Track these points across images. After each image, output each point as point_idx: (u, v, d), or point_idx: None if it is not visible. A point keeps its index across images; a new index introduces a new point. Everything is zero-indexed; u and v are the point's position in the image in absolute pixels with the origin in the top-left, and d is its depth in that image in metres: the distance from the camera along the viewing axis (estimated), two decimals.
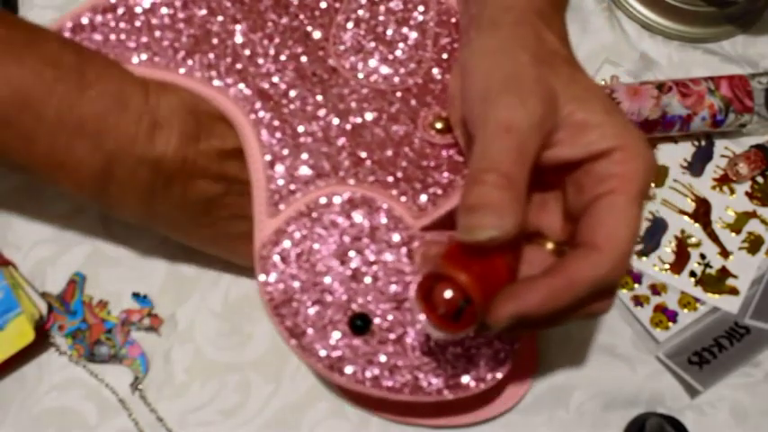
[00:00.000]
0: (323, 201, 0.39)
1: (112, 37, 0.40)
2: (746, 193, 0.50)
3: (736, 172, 0.50)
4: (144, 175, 0.38)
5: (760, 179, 0.50)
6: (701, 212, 0.49)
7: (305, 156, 0.40)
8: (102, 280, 0.46)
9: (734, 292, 0.47)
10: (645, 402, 0.45)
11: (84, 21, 0.40)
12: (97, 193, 0.38)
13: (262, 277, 0.38)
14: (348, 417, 0.44)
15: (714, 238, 0.49)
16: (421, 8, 0.43)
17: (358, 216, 0.39)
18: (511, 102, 0.32)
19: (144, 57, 0.40)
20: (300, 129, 0.40)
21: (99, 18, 0.41)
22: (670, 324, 0.46)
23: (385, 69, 0.42)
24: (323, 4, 0.42)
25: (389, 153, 0.40)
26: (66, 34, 0.40)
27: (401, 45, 0.42)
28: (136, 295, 0.45)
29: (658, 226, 0.49)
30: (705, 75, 0.50)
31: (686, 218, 0.49)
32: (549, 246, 0.36)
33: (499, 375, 0.38)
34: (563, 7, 0.39)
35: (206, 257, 0.46)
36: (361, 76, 0.42)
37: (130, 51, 0.40)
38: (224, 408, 0.44)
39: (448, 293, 0.31)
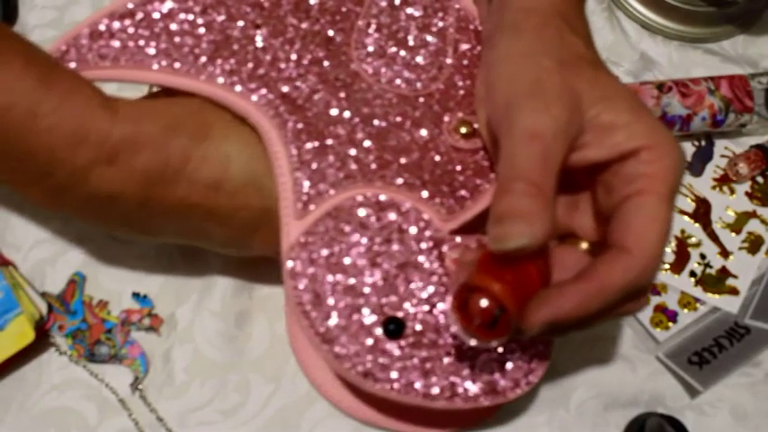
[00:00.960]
0: (351, 203, 0.38)
1: (131, 44, 0.39)
2: (746, 193, 0.50)
3: (736, 172, 0.50)
4: (99, 205, 0.36)
5: (760, 179, 0.50)
6: (701, 212, 0.49)
7: (331, 158, 0.39)
8: (102, 280, 0.46)
9: (734, 292, 0.47)
10: (645, 402, 0.45)
11: (102, 27, 0.39)
12: (56, 209, 0.38)
13: (290, 282, 0.37)
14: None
15: (714, 238, 0.49)
16: (440, 14, 0.43)
17: (387, 218, 0.38)
18: (536, 107, 0.32)
19: (164, 63, 0.39)
20: (326, 132, 0.39)
21: (116, 24, 0.40)
22: (670, 324, 0.46)
23: (407, 74, 0.41)
24: (343, 9, 0.42)
25: (416, 156, 0.40)
26: (84, 41, 0.39)
27: (422, 51, 0.42)
28: (136, 295, 0.45)
29: None
30: (705, 75, 0.50)
31: (686, 218, 0.49)
32: (584, 246, 0.36)
33: (534, 379, 0.38)
34: (583, 7, 0.38)
35: (206, 257, 0.46)
36: (383, 80, 0.41)
37: (150, 58, 0.39)
38: (224, 408, 0.44)
39: (483, 303, 0.31)
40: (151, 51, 0.39)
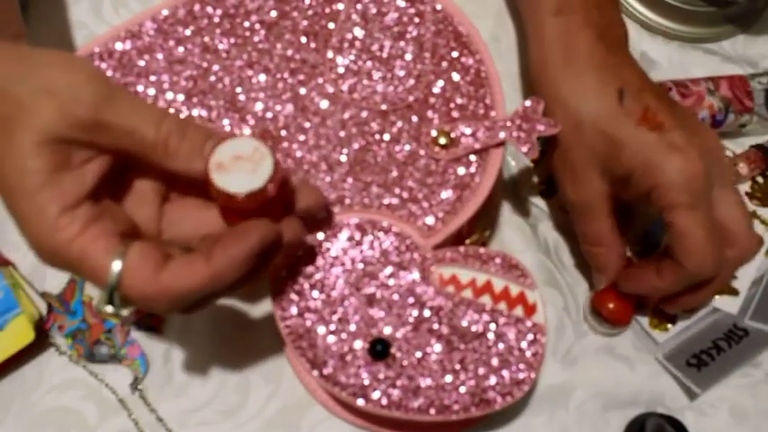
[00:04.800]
0: (331, 230, 0.39)
1: (118, 77, 0.40)
2: (746, 193, 0.50)
3: (736, 172, 0.50)
4: None
5: (760, 179, 0.50)
6: None
7: None
8: None
9: (733, 292, 0.47)
10: (645, 402, 0.45)
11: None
12: None
13: (279, 312, 0.39)
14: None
15: None
16: (416, 20, 0.43)
17: (367, 241, 0.39)
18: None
19: (151, 93, 0.40)
20: (303, 160, 0.40)
21: (103, 65, 0.41)
22: (669, 326, 0.46)
23: (384, 88, 0.42)
24: (317, 27, 0.42)
25: (394, 174, 0.40)
26: None
27: (398, 62, 0.42)
28: None
29: (658, 226, 0.48)
30: (705, 75, 0.50)
31: None
32: None
33: (525, 388, 0.39)
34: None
35: None
36: (359, 97, 0.41)
37: (143, 89, 0.40)
38: (224, 408, 0.44)
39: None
40: (140, 88, 0.40)
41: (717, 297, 0.47)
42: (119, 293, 0.31)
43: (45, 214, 0.31)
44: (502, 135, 0.41)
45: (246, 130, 0.40)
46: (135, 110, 0.32)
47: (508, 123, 0.41)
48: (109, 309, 0.31)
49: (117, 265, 0.31)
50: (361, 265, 0.39)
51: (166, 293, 0.31)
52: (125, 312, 0.32)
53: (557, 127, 0.41)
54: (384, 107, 0.41)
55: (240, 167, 0.31)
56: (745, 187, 0.50)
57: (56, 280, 0.45)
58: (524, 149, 0.41)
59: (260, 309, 0.46)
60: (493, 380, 0.38)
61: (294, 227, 0.35)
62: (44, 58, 0.33)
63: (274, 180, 0.32)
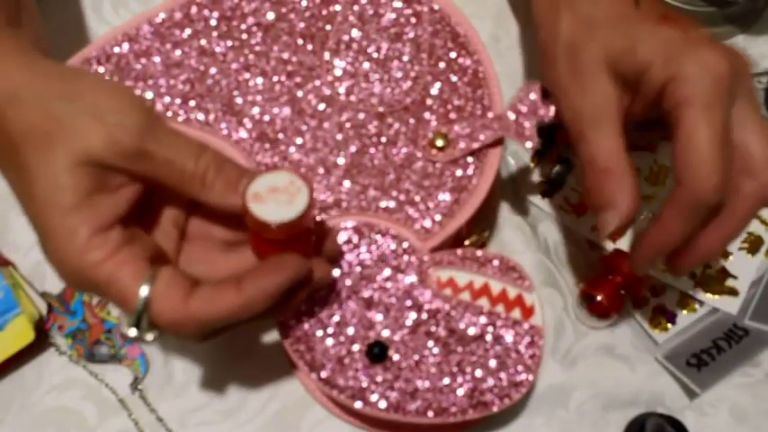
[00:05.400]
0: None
1: (116, 80, 0.40)
2: None
3: None
4: None
5: None
6: None
7: None
8: None
9: (733, 292, 0.47)
10: (645, 402, 0.45)
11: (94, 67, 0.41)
12: None
13: (277, 316, 0.39)
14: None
15: None
16: (413, 21, 0.43)
17: (365, 244, 0.39)
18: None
19: (149, 96, 0.41)
20: (300, 164, 0.40)
21: (101, 69, 0.41)
22: (669, 325, 0.46)
23: (381, 90, 0.42)
24: (313, 29, 0.42)
25: (392, 177, 0.40)
26: None
27: (395, 63, 0.42)
28: None
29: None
30: None
31: None
32: None
33: (522, 390, 0.39)
34: None
35: None
36: (356, 100, 0.41)
37: (141, 92, 0.40)
38: (224, 408, 0.44)
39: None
40: (138, 91, 0.40)
41: (717, 297, 0.47)
42: (146, 318, 0.31)
43: (76, 234, 0.31)
44: (499, 132, 0.41)
45: (243, 134, 0.40)
46: (176, 141, 0.33)
47: (504, 119, 0.41)
48: (133, 332, 0.32)
49: (145, 291, 0.31)
50: (358, 269, 0.39)
51: (194, 320, 0.31)
52: (150, 337, 0.32)
53: (552, 106, 0.40)
54: (381, 109, 0.41)
55: (276, 199, 0.32)
56: None
57: (56, 280, 0.45)
58: (523, 142, 0.41)
59: None
60: (490, 382, 0.38)
61: (324, 267, 0.36)
62: (89, 80, 0.33)
63: (309, 212, 0.32)
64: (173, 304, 0.31)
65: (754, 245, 0.48)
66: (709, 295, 0.47)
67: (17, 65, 0.33)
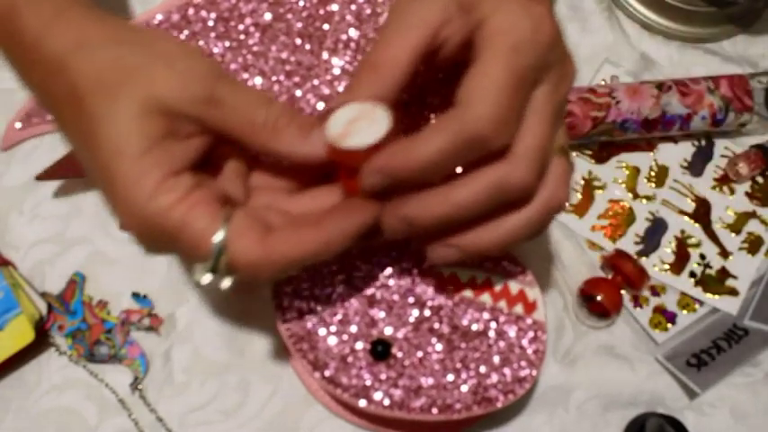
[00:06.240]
0: None
1: None
2: (746, 194, 0.50)
3: (736, 172, 0.50)
4: None
5: (760, 179, 0.50)
6: (701, 212, 0.49)
7: None
8: (102, 280, 0.46)
9: (733, 292, 0.47)
10: (645, 402, 0.45)
11: None
12: None
13: (279, 314, 0.39)
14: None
15: (714, 238, 0.49)
16: None
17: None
18: None
19: None
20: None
21: None
22: (669, 325, 0.46)
23: None
24: (311, 29, 0.42)
25: None
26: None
27: None
28: (136, 295, 0.45)
29: (658, 226, 0.49)
30: (705, 75, 0.50)
31: (686, 218, 0.49)
32: None
33: (526, 385, 0.39)
34: None
35: None
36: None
37: None
38: (224, 408, 0.44)
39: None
40: None
41: (717, 297, 0.47)
42: (224, 261, 0.30)
43: (147, 177, 0.30)
44: None
45: None
46: (246, 90, 0.32)
47: None
48: (207, 279, 0.30)
49: (222, 233, 0.30)
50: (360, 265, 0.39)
51: (272, 261, 0.30)
52: (226, 283, 0.31)
53: None
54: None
55: (358, 128, 0.31)
56: (745, 187, 0.50)
57: (56, 280, 0.46)
58: None
59: (260, 309, 0.46)
60: (494, 378, 0.38)
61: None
62: (156, 31, 0.32)
63: (395, 126, 0.31)
64: (252, 245, 0.30)
65: (754, 245, 0.48)
66: (709, 295, 0.47)
67: (82, 15, 0.32)
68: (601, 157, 0.50)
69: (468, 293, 0.39)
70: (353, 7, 0.43)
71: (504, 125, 0.30)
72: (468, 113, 0.30)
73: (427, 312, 0.39)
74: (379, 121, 0.31)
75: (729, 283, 0.47)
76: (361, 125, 0.31)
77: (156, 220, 0.30)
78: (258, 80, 0.41)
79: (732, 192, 0.50)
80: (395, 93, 0.32)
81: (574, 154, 0.50)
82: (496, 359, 0.39)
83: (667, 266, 0.48)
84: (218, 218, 0.30)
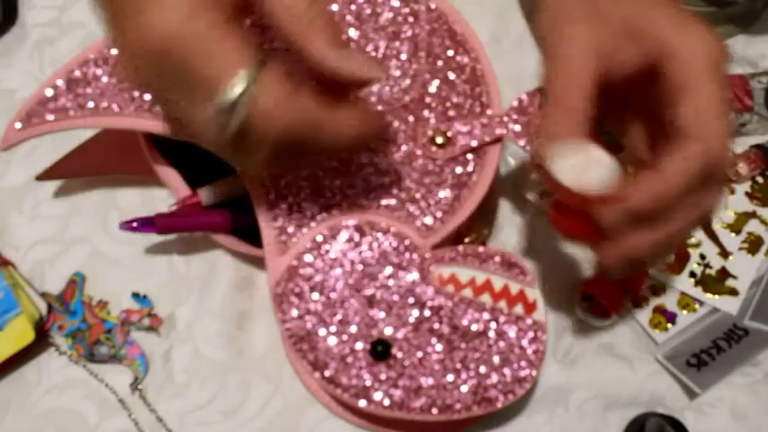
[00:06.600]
0: (330, 232, 0.39)
1: (114, 83, 0.40)
2: (746, 194, 0.50)
3: (736, 172, 0.50)
4: None
5: (760, 179, 0.50)
6: None
7: (307, 191, 0.40)
8: (101, 280, 0.46)
9: (733, 292, 0.47)
10: (645, 402, 0.45)
11: (77, 74, 0.40)
12: None
13: (279, 315, 0.39)
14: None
15: (714, 238, 0.49)
16: (411, 20, 0.43)
17: (366, 242, 0.39)
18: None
19: (147, 98, 0.40)
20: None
21: (98, 71, 0.41)
22: (669, 325, 0.46)
23: (379, 89, 0.42)
24: None
25: (392, 175, 0.40)
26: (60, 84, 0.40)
27: (394, 62, 0.42)
28: (136, 295, 0.45)
29: None
30: None
31: None
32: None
33: (526, 385, 0.39)
34: None
35: (205, 257, 0.46)
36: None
37: (139, 94, 0.40)
38: (224, 408, 0.44)
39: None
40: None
41: (717, 297, 0.47)
42: (246, 98, 0.29)
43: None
44: (498, 131, 0.41)
45: None
46: None
47: (504, 118, 0.41)
48: (217, 108, 0.29)
49: (251, 70, 0.29)
50: (360, 267, 0.39)
51: (293, 114, 0.30)
52: (234, 123, 0.30)
53: None
54: (380, 108, 0.41)
55: (580, 168, 0.33)
56: (745, 187, 0.50)
57: (56, 280, 0.46)
58: (522, 143, 0.41)
59: (260, 309, 0.46)
60: (494, 378, 0.38)
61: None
62: None
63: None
64: (283, 88, 0.29)
65: (754, 245, 0.48)
66: (709, 295, 0.47)
67: None
68: None
69: (468, 293, 0.39)
70: (353, 7, 0.43)
71: (728, 149, 0.33)
72: (702, 145, 0.32)
73: (427, 312, 0.39)
74: (600, 159, 0.33)
75: (729, 283, 0.47)
76: (581, 165, 0.33)
77: (184, 41, 0.29)
78: None
79: (732, 192, 0.50)
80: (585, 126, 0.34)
81: None
82: (496, 359, 0.39)
83: (667, 266, 0.48)
84: (250, 57, 0.29)
